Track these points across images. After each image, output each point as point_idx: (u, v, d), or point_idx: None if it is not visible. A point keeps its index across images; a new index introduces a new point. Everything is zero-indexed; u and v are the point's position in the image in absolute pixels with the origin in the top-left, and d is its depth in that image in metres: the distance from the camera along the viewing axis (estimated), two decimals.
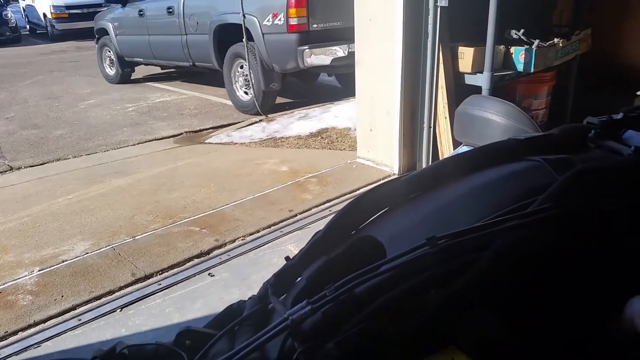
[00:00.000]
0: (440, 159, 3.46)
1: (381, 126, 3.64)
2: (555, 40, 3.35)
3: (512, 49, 3.21)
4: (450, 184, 0.82)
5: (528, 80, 3.45)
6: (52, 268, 2.81)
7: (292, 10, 5.64)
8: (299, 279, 0.85)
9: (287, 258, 0.88)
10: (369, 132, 3.76)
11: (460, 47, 3.22)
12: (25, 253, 3.02)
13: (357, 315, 0.64)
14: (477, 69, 3.19)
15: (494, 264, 0.61)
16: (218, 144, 5.39)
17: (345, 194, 3.46)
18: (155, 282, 2.58)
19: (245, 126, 5.98)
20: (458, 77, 3.30)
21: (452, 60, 3.25)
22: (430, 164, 3.58)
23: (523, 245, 0.62)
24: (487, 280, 0.62)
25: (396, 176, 3.65)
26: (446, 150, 3.37)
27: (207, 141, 5.58)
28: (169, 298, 2.45)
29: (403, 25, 3.19)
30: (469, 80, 3.26)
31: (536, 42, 3.22)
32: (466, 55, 3.19)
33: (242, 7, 5.75)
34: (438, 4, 3.07)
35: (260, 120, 6.12)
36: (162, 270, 2.69)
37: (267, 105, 6.45)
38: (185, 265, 2.73)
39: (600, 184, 0.65)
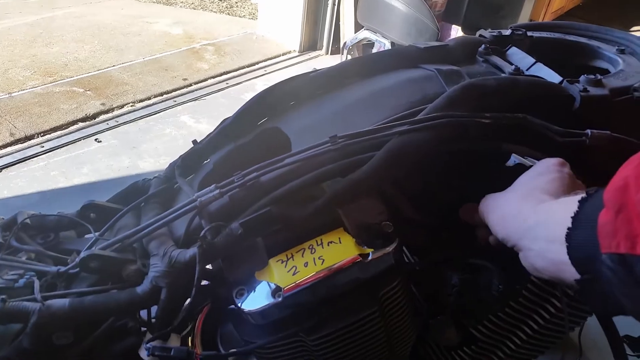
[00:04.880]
0: (341, 39, 3.47)
1: (286, 0, 3.50)
2: None
3: None
4: (354, 84, 0.87)
5: None
6: None
7: None
8: (206, 162, 0.89)
9: (194, 141, 0.90)
10: (273, 5, 3.62)
11: None
12: None
13: (262, 201, 0.71)
14: None
15: (384, 161, 0.70)
16: None
17: (244, 67, 3.38)
18: (38, 144, 2.44)
19: None
20: None
21: None
22: (331, 43, 3.59)
23: (410, 147, 0.71)
24: (378, 174, 0.71)
25: (296, 53, 3.62)
26: (347, 31, 3.37)
27: None
28: (53, 161, 2.35)
29: None
30: None
31: None
32: None
33: None
34: None
35: None
36: (44, 132, 2.54)
37: None
38: (70, 129, 2.59)
39: (479, 98, 0.75)
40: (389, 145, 0.71)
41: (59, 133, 2.55)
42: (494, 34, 0.97)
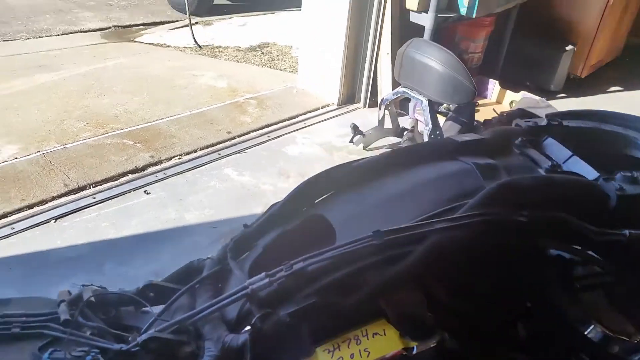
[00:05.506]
0: (378, 93, 3.56)
1: (325, 56, 3.65)
2: None
3: None
4: (395, 174, 0.93)
5: (469, 23, 3.54)
6: None
7: None
8: (256, 245, 0.95)
9: (245, 225, 0.97)
10: (312, 60, 3.76)
11: None
12: None
13: (308, 289, 0.77)
14: (423, 7, 3.23)
15: (425, 257, 0.75)
16: (150, 44, 5.15)
17: (285, 120, 3.50)
18: (90, 195, 2.58)
19: (180, 27, 5.71)
20: (403, 14, 3.33)
21: None
22: (368, 97, 3.68)
23: (449, 244, 0.75)
24: (418, 268, 0.75)
25: (334, 106, 3.73)
26: (385, 86, 3.47)
27: (137, 39, 5.30)
28: (104, 213, 2.48)
29: None
30: (414, 18, 3.31)
31: None
32: None
33: None
34: None
35: (197, 23, 5.85)
36: (96, 183, 2.69)
37: (205, 6, 6.18)
38: (120, 180, 2.74)
39: (516, 196, 0.79)
40: (430, 243, 0.75)
41: (109, 184, 2.69)
42: (530, 124, 1.01)
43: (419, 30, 3.27)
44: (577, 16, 4.09)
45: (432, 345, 0.74)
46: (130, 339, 0.84)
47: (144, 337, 0.79)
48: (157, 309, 0.90)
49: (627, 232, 0.76)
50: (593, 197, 0.81)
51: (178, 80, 4.06)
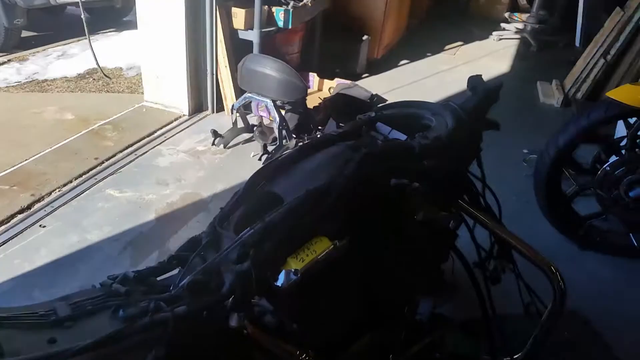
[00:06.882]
0: (224, 101, 4.11)
1: (168, 75, 4.06)
2: (305, 0, 4.22)
3: (274, 9, 3.96)
4: (308, 159, 1.53)
5: (285, 32, 4.27)
6: None
7: None
8: (232, 218, 1.48)
9: (221, 208, 1.49)
10: (155, 79, 4.14)
11: (233, 8, 3.84)
12: None
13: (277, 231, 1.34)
14: (249, 26, 3.89)
15: (344, 187, 1.36)
16: None
17: (145, 137, 3.85)
18: None
19: None
20: (234, 32, 3.93)
21: (227, 19, 3.86)
22: (215, 103, 4.21)
23: (349, 181, 1.38)
24: (340, 197, 1.37)
25: (186, 116, 4.18)
26: (228, 93, 4.03)
27: None
28: (10, 252, 2.65)
29: None
30: (242, 35, 3.94)
31: (292, 3, 4.04)
32: (239, 15, 3.83)
33: None
34: None
35: (10, 60, 5.68)
36: None
37: (12, 41, 5.98)
38: (12, 222, 2.88)
39: (373, 158, 1.46)
40: (337, 181, 1.38)
41: (3, 228, 2.82)
42: (366, 117, 1.70)
43: (248, 43, 3.90)
44: (367, 13, 5.25)
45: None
46: (171, 288, 1.32)
47: (186, 281, 1.29)
48: None
49: (425, 162, 1.47)
50: (407, 150, 1.51)
51: (23, 121, 4.09)
